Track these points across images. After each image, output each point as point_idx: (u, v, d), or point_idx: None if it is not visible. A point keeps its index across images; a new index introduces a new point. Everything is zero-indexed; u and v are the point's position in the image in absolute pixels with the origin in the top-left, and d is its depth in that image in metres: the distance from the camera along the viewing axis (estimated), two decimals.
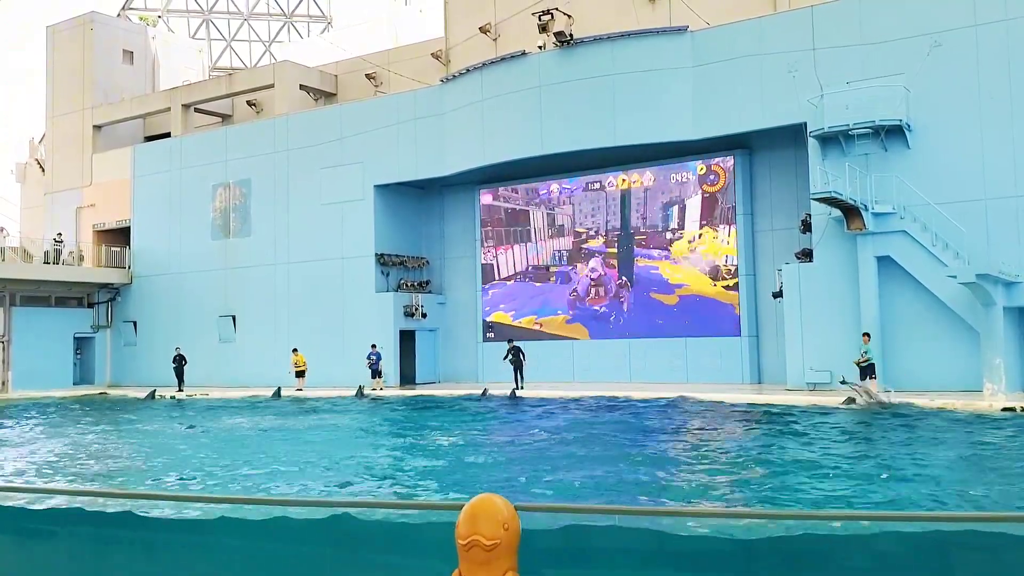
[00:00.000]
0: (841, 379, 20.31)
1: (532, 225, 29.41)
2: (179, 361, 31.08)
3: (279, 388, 27.81)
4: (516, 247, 29.66)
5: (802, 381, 22.41)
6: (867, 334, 20.80)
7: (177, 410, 25.13)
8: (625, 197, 27.70)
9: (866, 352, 20.56)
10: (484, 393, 24.97)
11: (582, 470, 12.04)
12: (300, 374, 28.69)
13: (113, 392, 32.63)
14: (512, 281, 29.66)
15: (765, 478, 11.35)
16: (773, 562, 3.39)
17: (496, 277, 29.98)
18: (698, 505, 9.54)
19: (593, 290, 28.21)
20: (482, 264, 30.27)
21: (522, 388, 25.24)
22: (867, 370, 20.58)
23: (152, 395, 29.46)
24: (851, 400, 19.35)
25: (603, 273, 28.03)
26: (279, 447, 15.54)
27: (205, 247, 34.25)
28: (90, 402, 29.32)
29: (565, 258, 28.74)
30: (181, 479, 12.27)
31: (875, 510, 8.74)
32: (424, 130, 29.34)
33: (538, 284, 29.17)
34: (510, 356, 26.17)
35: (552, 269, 28.95)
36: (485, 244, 30.23)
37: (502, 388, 25.25)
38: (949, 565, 3.24)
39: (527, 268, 29.43)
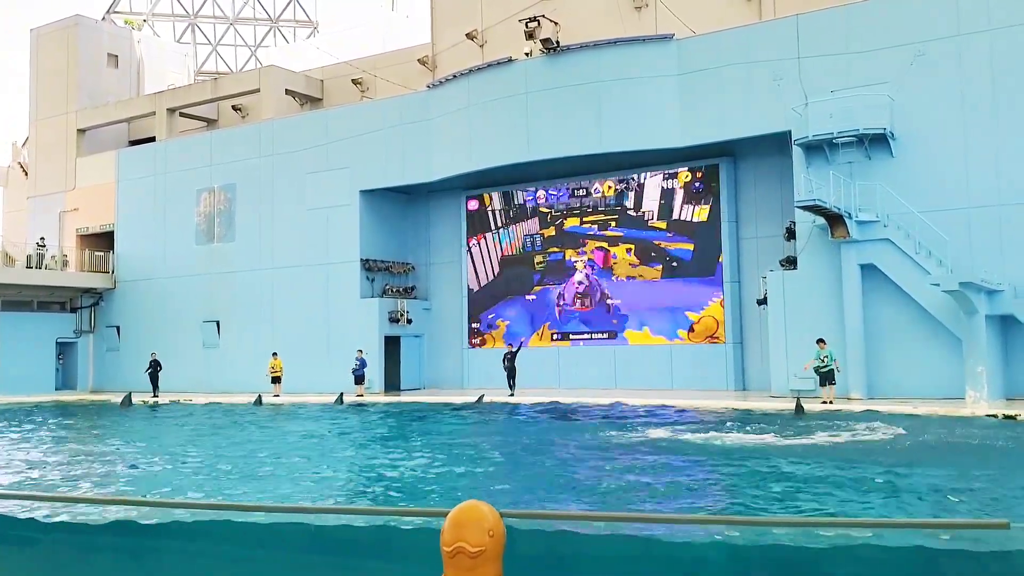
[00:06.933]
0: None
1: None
2: (154, 367, 30.79)
3: (259, 396, 27.31)
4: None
5: (786, 388, 22.48)
6: (822, 340, 20.92)
7: (169, 416, 24.80)
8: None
9: (826, 357, 20.67)
10: (480, 399, 24.77)
11: None
12: (276, 380, 28.47)
13: (92, 397, 32.23)
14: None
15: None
16: (759, 568, 3.40)
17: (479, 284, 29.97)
18: (683, 512, 9.54)
19: (578, 300, 28.22)
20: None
21: (512, 395, 25.26)
22: (826, 376, 20.68)
23: (128, 400, 27.80)
24: (800, 409, 19.35)
25: (589, 284, 28.05)
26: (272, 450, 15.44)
27: (189, 252, 34.09)
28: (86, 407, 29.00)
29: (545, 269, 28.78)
30: None
31: (866, 518, 8.76)
32: (410, 136, 29.31)
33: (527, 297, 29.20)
34: (506, 362, 26.10)
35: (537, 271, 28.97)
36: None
37: (498, 395, 25.22)
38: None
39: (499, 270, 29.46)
